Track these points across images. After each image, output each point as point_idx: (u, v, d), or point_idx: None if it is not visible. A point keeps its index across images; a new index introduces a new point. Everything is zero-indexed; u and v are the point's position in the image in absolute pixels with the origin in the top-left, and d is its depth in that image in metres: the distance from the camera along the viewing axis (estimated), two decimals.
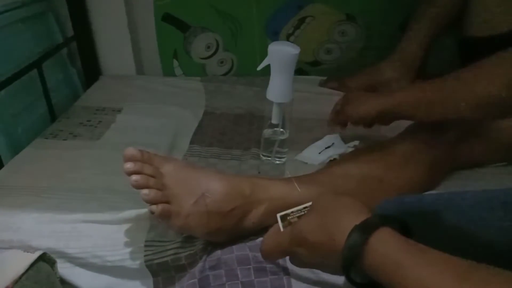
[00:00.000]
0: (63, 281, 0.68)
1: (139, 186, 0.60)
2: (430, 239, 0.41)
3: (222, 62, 1.38)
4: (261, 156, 0.91)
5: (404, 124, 0.85)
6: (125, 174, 0.61)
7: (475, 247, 0.39)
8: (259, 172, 0.87)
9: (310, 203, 0.54)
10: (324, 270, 0.53)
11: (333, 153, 0.90)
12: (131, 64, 1.33)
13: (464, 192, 0.56)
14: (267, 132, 0.89)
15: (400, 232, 0.43)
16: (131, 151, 0.62)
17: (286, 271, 0.65)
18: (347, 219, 0.45)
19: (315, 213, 0.50)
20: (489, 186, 0.58)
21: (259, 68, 0.81)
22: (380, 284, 0.41)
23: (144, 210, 0.70)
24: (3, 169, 0.89)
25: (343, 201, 0.49)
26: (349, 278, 0.44)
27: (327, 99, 1.18)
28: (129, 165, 0.60)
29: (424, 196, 0.58)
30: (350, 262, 0.42)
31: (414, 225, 0.45)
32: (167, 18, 1.31)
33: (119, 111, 1.12)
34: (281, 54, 0.78)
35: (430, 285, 0.36)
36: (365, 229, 0.42)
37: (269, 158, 0.90)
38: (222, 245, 0.66)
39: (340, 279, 0.63)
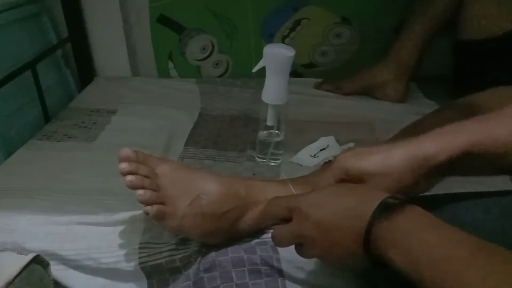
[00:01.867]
0: (56, 283, 0.67)
1: (134, 187, 0.60)
2: None
3: (217, 64, 1.38)
4: (256, 158, 0.91)
5: (400, 126, 0.86)
6: (120, 174, 0.60)
7: None
8: (254, 174, 0.87)
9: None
10: (332, 259, 0.50)
11: (327, 155, 0.90)
12: (126, 66, 1.33)
13: (460, 193, 0.57)
14: (262, 134, 0.89)
15: None
16: (126, 151, 0.61)
17: (281, 273, 0.64)
18: (372, 198, 0.44)
19: (333, 199, 0.48)
20: (485, 189, 0.58)
21: (254, 70, 0.81)
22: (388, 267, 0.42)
23: (138, 212, 0.69)
24: None
25: (361, 188, 0.49)
26: (367, 251, 0.43)
27: (322, 102, 1.19)
28: (124, 165, 0.60)
29: (419, 198, 0.58)
30: (383, 213, 0.42)
31: None
32: (162, 20, 1.31)
33: (114, 112, 1.12)
34: (276, 56, 0.78)
35: (442, 256, 0.38)
36: (393, 202, 0.43)
37: (264, 160, 0.90)
38: (216, 247, 0.66)
39: (335, 281, 0.63)
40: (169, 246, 0.67)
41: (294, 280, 0.65)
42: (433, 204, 0.55)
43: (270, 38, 1.33)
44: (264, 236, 0.69)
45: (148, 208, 0.60)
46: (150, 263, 0.66)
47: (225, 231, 0.65)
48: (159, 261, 0.65)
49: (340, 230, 0.46)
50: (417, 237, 0.40)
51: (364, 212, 0.44)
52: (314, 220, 0.48)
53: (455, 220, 0.52)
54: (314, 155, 0.91)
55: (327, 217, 0.47)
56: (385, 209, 0.43)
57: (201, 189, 0.63)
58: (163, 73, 1.38)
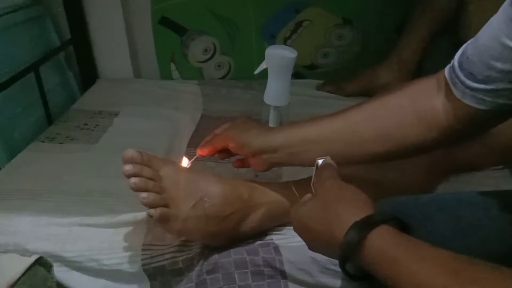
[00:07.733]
0: (59, 285, 0.68)
1: (138, 189, 0.59)
2: (425, 239, 0.41)
3: (219, 66, 1.38)
4: None
5: None
6: (123, 176, 0.60)
7: (469, 247, 0.40)
8: (256, 176, 0.87)
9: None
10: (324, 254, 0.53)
11: None
12: (128, 68, 1.33)
13: (460, 193, 0.57)
14: None
15: (398, 229, 0.43)
16: (130, 153, 0.61)
17: (283, 274, 0.65)
18: (348, 213, 0.44)
19: (319, 200, 0.49)
20: (485, 189, 0.58)
21: (256, 72, 0.81)
22: (375, 276, 0.42)
23: (141, 214, 0.69)
24: None
25: (347, 192, 0.49)
26: (344, 271, 0.44)
27: (324, 103, 1.19)
28: (128, 167, 0.60)
29: (420, 197, 0.58)
30: (346, 258, 0.43)
31: (409, 225, 0.45)
32: (164, 22, 1.31)
33: (116, 114, 1.12)
34: (278, 57, 0.78)
35: (422, 280, 0.37)
36: (364, 227, 0.42)
37: None
38: (219, 248, 0.66)
39: (338, 283, 0.63)
40: (172, 248, 0.67)
41: (297, 282, 0.65)
42: (433, 204, 0.55)
43: (272, 40, 1.33)
44: (267, 237, 0.69)
45: (152, 210, 0.59)
46: (152, 265, 0.66)
47: (228, 234, 0.65)
48: (161, 263, 0.66)
49: (319, 243, 0.49)
50: (398, 265, 0.39)
51: (335, 244, 0.44)
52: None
53: (455, 220, 0.52)
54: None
55: (305, 238, 0.51)
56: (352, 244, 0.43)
57: (204, 191, 0.63)
58: (165, 75, 1.39)
